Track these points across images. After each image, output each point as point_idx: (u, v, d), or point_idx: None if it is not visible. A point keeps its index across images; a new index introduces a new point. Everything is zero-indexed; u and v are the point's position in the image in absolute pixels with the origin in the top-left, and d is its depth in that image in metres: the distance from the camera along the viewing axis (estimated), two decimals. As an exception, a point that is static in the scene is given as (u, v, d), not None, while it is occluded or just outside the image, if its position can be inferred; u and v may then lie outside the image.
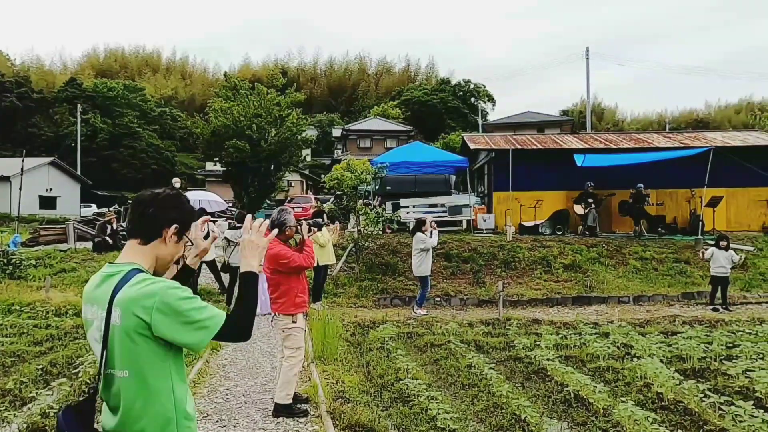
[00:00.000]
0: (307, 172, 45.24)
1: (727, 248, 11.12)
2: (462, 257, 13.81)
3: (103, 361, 1.89)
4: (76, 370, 6.27)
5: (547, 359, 6.85)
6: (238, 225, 11.10)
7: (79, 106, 44.01)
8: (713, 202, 15.47)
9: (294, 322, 5.34)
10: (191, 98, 68.59)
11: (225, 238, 11.00)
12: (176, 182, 16.35)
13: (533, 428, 4.91)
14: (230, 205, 26.54)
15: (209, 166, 37.91)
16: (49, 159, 38.10)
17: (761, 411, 4.84)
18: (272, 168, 25.92)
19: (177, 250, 2.10)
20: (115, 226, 15.75)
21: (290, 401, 5.23)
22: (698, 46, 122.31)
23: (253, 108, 24.09)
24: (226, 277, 11.40)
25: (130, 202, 13.98)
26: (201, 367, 6.86)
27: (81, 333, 7.93)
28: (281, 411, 5.21)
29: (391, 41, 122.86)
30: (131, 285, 1.87)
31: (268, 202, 28.12)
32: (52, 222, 26.92)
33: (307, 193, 40.28)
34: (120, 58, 77.98)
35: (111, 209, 22.50)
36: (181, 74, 76.89)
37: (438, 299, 12.05)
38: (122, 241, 13.58)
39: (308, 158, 46.58)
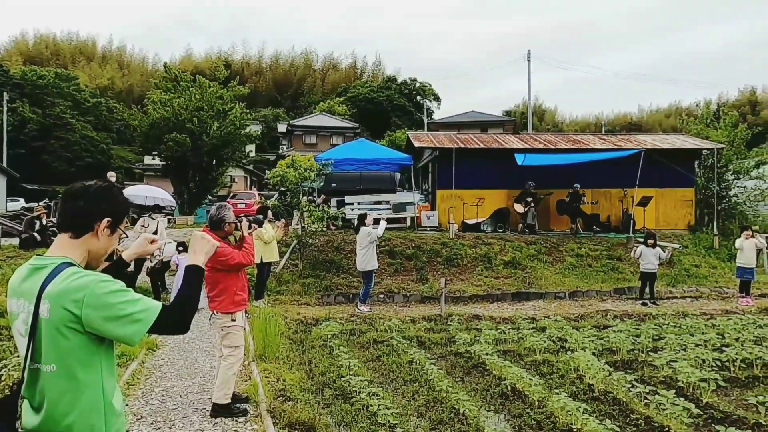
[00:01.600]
0: (251, 167, 44.44)
1: (654, 246, 11.71)
2: (406, 254, 13.94)
3: (29, 355, 1.82)
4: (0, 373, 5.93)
5: (486, 354, 7.01)
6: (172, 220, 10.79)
7: (5, 94, 41.52)
8: (643, 202, 16.25)
9: (233, 320, 5.24)
10: (129, 89, 65.99)
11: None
12: (111, 176, 15.64)
13: (471, 422, 5.03)
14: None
15: (148, 159, 36.63)
16: (-30, 150, 35.80)
17: (682, 399, 5.14)
18: (214, 163, 25.33)
19: (110, 244, 2.04)
20: (44, 222, 14.96)
21: (229, 401, 5.14)
22: (633, 53, 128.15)
23: (195, 101, 23.44)
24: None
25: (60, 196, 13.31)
26: (136, 368, 6.63)
27: (6, 334, 7.50)
28: (219, 411, 5.10)
29: (338, 37, 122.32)
30: (61, 278, 1.81)
31: (210, 197, 27.45)
32: (-26, 217, 25.28)
33: (251, 189, 39.52)
34: (51, 45, 74.00)
35: (41, 204, 21.33)
36: (118, 64, 73.79)
37: (381, 296, 12.12)
38: (51, 238, 12.94)
39: (252, 153, 45.81)
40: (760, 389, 5.85)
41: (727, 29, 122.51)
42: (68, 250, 1.94)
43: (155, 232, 10.46)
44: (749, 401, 5.35)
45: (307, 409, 5.28)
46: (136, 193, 17.48)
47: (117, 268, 2.27)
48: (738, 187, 18.67)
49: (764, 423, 4.86)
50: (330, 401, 5.73)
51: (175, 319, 1.90)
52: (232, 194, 30.70)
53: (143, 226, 10.95)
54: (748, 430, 4.56)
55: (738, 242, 11.89)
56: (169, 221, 11.09)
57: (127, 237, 10.89)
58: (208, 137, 23.25)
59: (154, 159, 27.37)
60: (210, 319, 5.45)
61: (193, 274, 2.08)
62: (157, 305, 1.88)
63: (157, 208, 13.65)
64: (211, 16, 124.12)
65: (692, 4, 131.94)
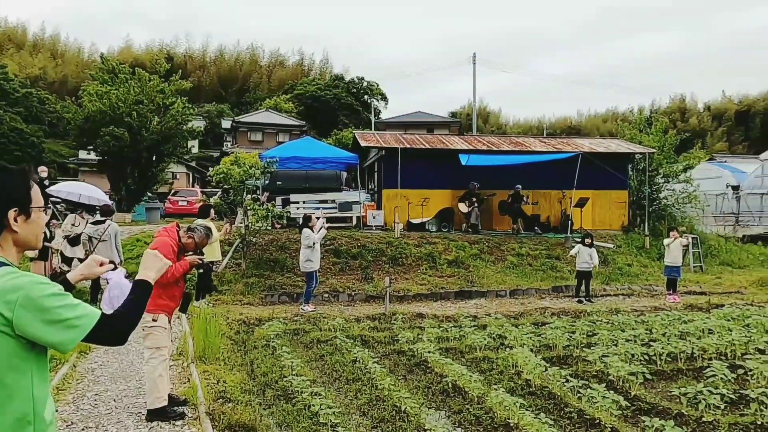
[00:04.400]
0: (193, 164, 43.26)
1: (590, 245, 12.20)
2: (351, 253, 13.94)
3: None
4: None
5: (429, 352, 7.12)
6: (99, 220, 10.34)
7: None
8: (581, 203, 16.89)
9: (154, 320, 5.09)
10: (63, 80, 62.80)
11: (87, 235, 10.26)
12: (43, 171, 14.91)
13: (412, 419, 5.09)
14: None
15: (83, 154, 35.00)
16: None
17: (612, 392, 5.38)
18: (154, 159, 24.47)
19: (36, 227, 1.93)
20: None
21: (164, 404, 4.99)
22: (575, 59, 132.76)
23: (134, 94, 22.58)
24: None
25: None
26: (67, 372, 6.35)
27: None
28: (155, 415, 4.96)
29: (284, 33, 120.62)
30: None
31: (150, 194, 26.55)
32: None
33: (193, 186, 38.51)
34: (-24, 31, 69.55)
35: None
36: (51, 53, 70.00)
37: (326, 295, 12.08)
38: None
39: (195, 150, 44.58)
40: (683, 381, 6.20)
41: (662, 39, 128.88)
42: None
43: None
44: (673, 393, 5.67)
45: (247, 411, 5.21)
46: (69, 189, 16.70)
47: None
48: (667, 189, 19.67)
49: (686, 413, 5.16)
50: (271, 402, 5.67)
51: (113, 330, 1.84)
52: (173, 191, 29.83)
53: (73, 224, 10.47)
54: (671, 419, 4.82)
55: (666, 242, 12.54)
56: (97, 221, 10.59)
57: (53, 236, 10.41)
58: (147, 132, 22.42)
59: (89, 154, 26.19)
60: None
61: (141, 289, 2.03)
62: (96, 312, 1.81)
63: (91, 208, 13.07)
64: (153, 7, 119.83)
65: (630, 14, 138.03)
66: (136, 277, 2.09)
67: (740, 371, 6.22)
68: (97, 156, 24.94)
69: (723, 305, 10.66)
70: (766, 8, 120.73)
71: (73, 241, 10.26)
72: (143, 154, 23.44)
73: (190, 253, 5.39)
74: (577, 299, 12.08)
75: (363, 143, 18.10)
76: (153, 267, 2.13)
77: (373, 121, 51.53)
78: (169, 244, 5.10)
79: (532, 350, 7.13)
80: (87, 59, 68.20)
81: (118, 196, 23.60)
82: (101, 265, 2.20)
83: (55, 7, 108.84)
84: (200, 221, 8.43)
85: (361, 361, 6.87)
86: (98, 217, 10.59)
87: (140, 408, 5.30)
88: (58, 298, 1.75)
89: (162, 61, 25.51)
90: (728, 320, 9.00)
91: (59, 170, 41.83)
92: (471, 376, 6.05)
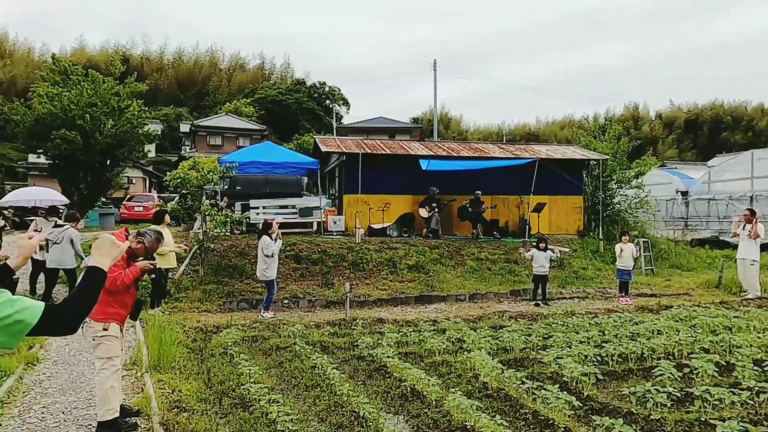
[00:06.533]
0: (150, 168, 42.26)
1: (545, 249, 12.48)
2: (311, 259, 13.87)
3: None
4: None
5: (388, 356, 7.14)
6: (59, 224, 10.19)
7: None
8: (538, 208, 17.26)
9: (105, 329, 4.95)
10: (11, 81, 60.45)
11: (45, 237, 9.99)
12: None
13: (371, 424, 5.10)
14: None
15: (32, 158, 33.74)
16: None
17: (565, 393, 5.52)
18: (108, 163, 23.79)
19: None
20: None
21: (115, 416, 4.85)
22: (533, 67, 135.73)
23: (87, 96, 21.90)
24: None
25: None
26: (12, 385, 6.10)
27: None
28: (106, 428, 4.82)
29: (245, 35, 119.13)
30: None
31: (104, 200, 25.78)
32: None
33: (150, 191, 37.60)
34: None
35: None
36: (-2, 52, 67.42)
37: (286, 301, 11.98)
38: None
39: (152, 154, 43.59)
40: (633, 381, 6.40)
41: (617, 49, 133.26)
42: None
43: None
44: (623, 392, 5.85)
45: (203, 420, 5.12)
46: (17, 197, 16.19)
47: (2, 276, 2.14)
48: (620, 195, 20.30)
49: (635, 411, 5.33)
50: (228, 410, 5.58)
51: (63, 317, 1.81)
52: (128, 196, 29.07)
53: (36, 230, 10.23)
54: (621, 418, 4.98)
55: (617, 246, 12.94)
56: (56, 224, 10.39)
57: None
58: (101, 135, 21.77)
59: (39, 157, 25.24)
60: (82, 328, 5.11)
61: (93, 276, 1.98)
62: (39, 304, 1.78)
63: (53, 210, 12.69)
64: (109, 6, 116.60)
65: (587, 23, 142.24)
66: (89, 263, 2.05)
67: (686, 370, 6.46)
68: (47, 160, 24.08)
69: (672, 307, 11.05)
70: (713, 21, 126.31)
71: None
72: (97, 158, 22.76)
73: (141, 258, 5.27)
74: (534, 302, 12.33)
75: (324, 148, 18.06)
76: (109, 254, 2.08)
77: (334, 126, 51.47)
78: None
79: (489, 353, 7.24)
80: (38, 60, 65.78)
81: (70, 201, 22.83)
82: (30, 238, 2.19)
83: (2, 5, 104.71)
84: (154, 227, 8.27)
85: (321, 367, 6.84)
86: (61, 221, 10.48)
87: (90, 420, 5.14)
88: None
89: (117, 63, 24.82)
90: (676, 321, 9.34)
91: (8, 174, 40.23)
92: (429, 380, 6.10)
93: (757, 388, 5.56)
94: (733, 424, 4.54)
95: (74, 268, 10.58)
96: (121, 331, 5.15)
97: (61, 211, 11.17)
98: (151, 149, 41.32)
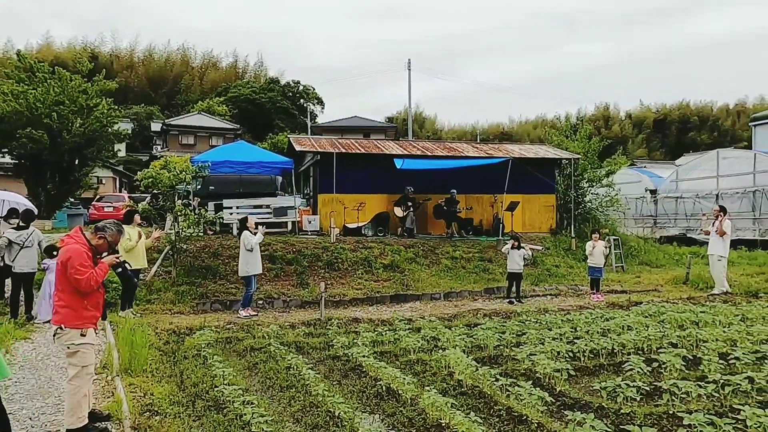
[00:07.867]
0: (120, 168, 41.46)
1: (519, 247, 12.63)
2: (286, 259, 13.79)
3: None
4: None
5: (363, 356, 7.14)
6: (21, 225, 9.91)
7: None
8: (511, 207, 17.45)
9: (83, 335, 4.83)
10: (-26, 78, 58.68)
11: (7, 239, 9.75)
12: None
13: (346, 423, 5.10)
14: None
15: (-4, 157, 32.75)
16: None
17: (538, 389, 5.59)
18: (77, 163, 23.25)
19: None
20: None
21: (84, 423, 4.74)
22: (506, 67, 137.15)
23: (54, 94, 21.36)
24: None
25: None
26: (-24, 391, 5.93)
27: None
28: (75, 433, 4.72)
29: (217, 33, 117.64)
30: None
31: (72, 200, 25.19)
32: None
33: (120, 191, 36.88)
34: None
35: None
36: (-40, 49, 65.36)
37: (261, 302, 11.89)
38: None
39: (122, 153, 42.77)
40: (604, 376, 6.52)
41: (589, 49, 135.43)
42: None
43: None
44: (594, 387, 5.95)
45: (176, 423, 5.05)
46: None
47: None
48: (592, 193, 20.67)
49: (606, 406, 5.43)
50: (202, 413, 5.51)
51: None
52: (98, 197, 28.45)
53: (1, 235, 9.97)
54: (592, 413, 5.07)
55: (588, 244, 13.16)
56: (19, 227, 10.12)
57: None
58: (69, 134, 21.26)
59: (4, 157, 24.54)
60: (54, 336, 4.94)
61: None
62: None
63: (13, 212, 12.34)
64: (77, 2, 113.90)
65: (559, 25, 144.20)
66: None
67: (655, 364, 6.60)
68: (12, 159, 23.43)
69: (641, 303, 11.29)
70: (684, 23, 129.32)
71: None
72: (65, 157, 22.22)
73: (105, 254, 5.15)
74: (508, 300, 12.47)
75: (298, 148, 17.96)
76: None
77: (309, 125, 51.22)
78: (82, 251, 4.82)
79: (464, 351, 7.29)
80: (1, 56, 63.94)
81: (37, 201, 22.26)
82: None
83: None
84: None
85: (296, 367, 6.80)
86: (20, 222, 10.13)
87: (59, 426, 5.03)
88: None
89: (85, 60, 24.27)
90: (645, 317, 9.54)
91: (-30, 174, 38.94)
92: (404, 378, 6.11)
93: (722, 381, 5.71)
94: (699, 416, 4.66)
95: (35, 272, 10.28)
96: (96, 334, 5.05)
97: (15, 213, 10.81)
98: (121, 148, 40.57)
